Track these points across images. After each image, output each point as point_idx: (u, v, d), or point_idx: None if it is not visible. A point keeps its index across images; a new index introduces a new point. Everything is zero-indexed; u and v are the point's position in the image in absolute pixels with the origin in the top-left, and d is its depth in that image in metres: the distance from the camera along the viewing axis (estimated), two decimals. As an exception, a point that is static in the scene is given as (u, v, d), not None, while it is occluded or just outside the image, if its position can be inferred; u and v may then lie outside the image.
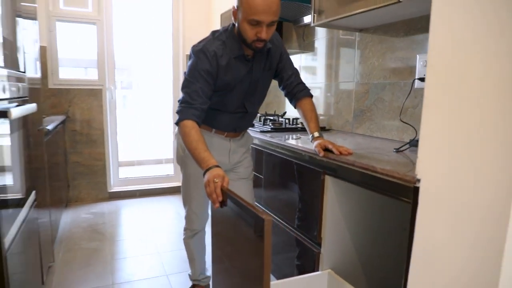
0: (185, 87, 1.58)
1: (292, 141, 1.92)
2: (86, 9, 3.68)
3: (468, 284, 0.96)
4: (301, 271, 1.81)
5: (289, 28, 2.91)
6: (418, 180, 1.08)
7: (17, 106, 1.45)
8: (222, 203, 1.29)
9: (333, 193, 1.60)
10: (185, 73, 1.62)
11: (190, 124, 1.51)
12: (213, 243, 1.49)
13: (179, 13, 4.05)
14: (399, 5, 1.52)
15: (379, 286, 1.77)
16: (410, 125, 1.77)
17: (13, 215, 1.41)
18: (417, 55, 1.77)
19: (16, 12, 1.61)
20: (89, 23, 3.72)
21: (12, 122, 1.41)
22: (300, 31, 2.82)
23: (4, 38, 1.37)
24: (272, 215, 2.09)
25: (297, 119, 2.55)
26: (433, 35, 1.04)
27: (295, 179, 1.86)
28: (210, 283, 2.16)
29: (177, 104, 1.60)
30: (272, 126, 2.37)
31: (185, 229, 1.99)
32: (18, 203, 1.51)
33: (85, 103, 3.78)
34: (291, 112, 2.74)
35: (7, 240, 1.27)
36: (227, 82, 1.63)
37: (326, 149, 1.55)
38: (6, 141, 1.36)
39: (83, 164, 3.86)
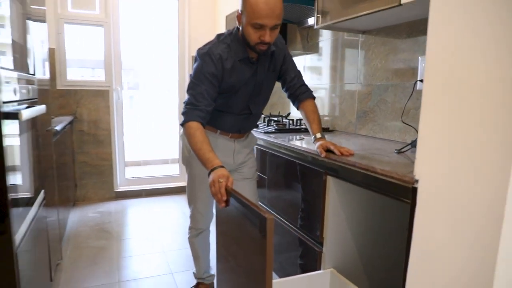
0: (191, 89, 1.61)
1: (295, 142, 1.95)
2: (93, 12, 3.73)
3: (468, 284, 0.97)
4: (304, 270, 1.83)
5: (293, 29, 2.94)
6: (417, 181, 1.10)
7: (27, 107, 1.49)
8: (227, 203, 1.33)
9: (335, 194, 1.63)
10: (190, 75, 1.65)
11: (195, 125, 1.54)
12: (218, 242, 1.52)
13: (185, 15, 4.09)
14: (401, 8, 1.54)
15: (380, 286, 1.79)
16: (412, 126, 1.79)
17: (23, 213, 1.45)
18: (419, 57, 1.79)
19: (26, 15, 1.65)
20: (97, 25, 3.77)
21: (22, 123, 1.45)
22: (304, 32, 2.85)
23: (15, 42, 1.41)
24: (276, 215, 2.12)
25: (300, 120, 2.57)
26: (431, 37, 1.06)
27: (298, 180, 1.88)
28: (215, 281, 2.19)
29: (183, 105, 1.63)
30: (276, 127, 2.40)
31: (190, 228, 2.02)
32: (28, 202, 1.55)
33: (92, 104, 3.83)
34: (295, 113, 2.76)
35: (17, 238, 1.31)
36: (232, 85, 1.66)
37: (328, 150, 1.58)
38: (16, 142, 1.39)
39: (90, 164, 3.91)
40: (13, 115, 1.27)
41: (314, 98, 1.83)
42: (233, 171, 1.86)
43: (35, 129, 1.73)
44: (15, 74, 1.39)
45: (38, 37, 1.97)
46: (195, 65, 1.64)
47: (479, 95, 0.91)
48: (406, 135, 1.93)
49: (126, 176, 4.20)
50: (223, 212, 1.41)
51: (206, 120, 1.60)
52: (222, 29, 3.71)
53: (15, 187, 1.34)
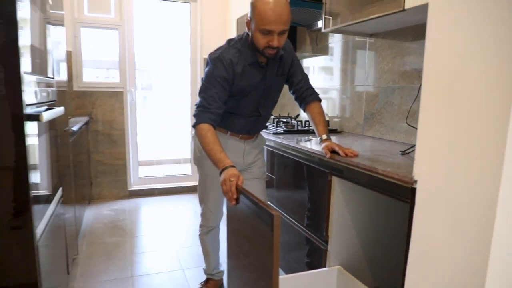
0: (202, 92, 1.67)
1: (302, 143, 1.99)
2: (108, 15, 3.83)
3: (467, 284, 0.98)
4: (310, 269, 1.87)
5: (303, 32, 2.98)
6: (415, 181, 1.14)
7: (47, 109, 1.57)
8: (237, 201, 1.38)
9: (339, 193, 1.67)
10: (202, 78, 1.72)
11: (206, 127, 1.61)
12: (229, 240, 1.56)
13: (197, 18, 4.16)
14: (405, 13, 1.58)
15: (384, 284, 1.83)
16: (416, 128, 1.82)
17: (43, 210, 1.52)
18: (425, 61, 1.82)
19: (46, 19, 1.72)
20: (112, 29, 3.87)
21: (42, 124, 1.52)
22: (314, 35, 2.89)
23: (36, 47, 1.48)
24: (285, 214, 2.17)
25: (309, 121, 2.60)
26: (429, 42, 1.08)
27: (304, 180, 1.93)
28: (224, 277, 2.26)
29: (195, 107, 1.70)
30: (284, 128, 2.44)
31: (201, 226, 2.08)
32: (47, 199, 1.62)
33: (107, 105, 3.93)
34: (304, 114, 2.80)
35: (38, 232, 1.38)
36: (242, 88, 1.72)
37: (333, 151, 1.63)
38: (37, 142, 1.46)
39: (105, 163, 4.01)
40: (35, 117, 1.33)
41: (320, 100, 1.88)
42: (243, 171, 1.91)
43: (54, 130, 1.80)
44: (36, 78, 1.46)
45: (56, 41, 2.03)
46: (206, 69, 1.70)
47: (478, 96, 0.93)
48: (412, 136, 1.96)
49: (139, 175, 4.30)
50: (234, 211, 1.45)
51: (217, 122, 1.66)
52: (233, 31, 3.77)
53: (36, 185, 1.40)
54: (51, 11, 1.86)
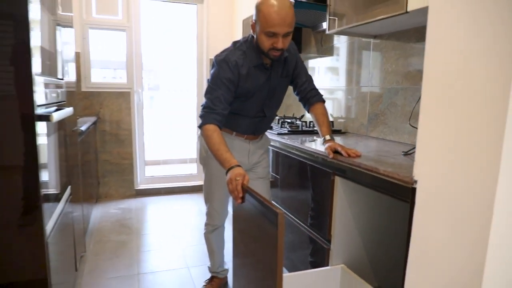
0: (208, 93, 1.70)
1: (306, 143, 2.02)
2: (116, 17, 3.87)
3: (466, 284, 0.99)
4: (314, 268, 1.90)
5: (308, 33, 3.00)
6: (416, 182, 1.16)
7: (57, 110, 1.61)
8: (243, 199, 1.41)
9: (342, 193, 1.69)
10: (208, 80, 1.75)
11: (212, 127, 1.64)
12: (235, 239, 1.58)
13: (203, 19, 4.20)
14: (408, 15, 1.59)
15: (386, 283, 1.85)
16: (419, 129, 1.83)
17: (52, 208, 1.56)
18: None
19: (56, 21, 1.76)
20: (119, 30, 3.92)
21: (52, 125, 1.55)
22: (319, 36, 2.91)
23: (46, 49, 1.52)
24: (289, 214, 2.19)
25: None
26: (429, 43, 1.10)
27: (308, 180, 1.95)
28: (229, 276, 2.29)
29: (200, 108, 1.73)
30: (289, 129, 2.47)
31: (206, 225, 2.11)
32: (56, 198, 1.65)
33: (115, 105, 3.98)
34: (309, 114, 2.81)
35: (47, 230, 1.42)
36: (247, 90, 1.74)
37: (336, 151, 1.65)
38: (47, 141, 1.49)
39: (112, 162, 4.06)
40: (45, 117, 1.36)
41: (324, 101, 1.91)
42: (248, 171, 1.94)
43: (63, 130, 1.83)
44: (46, 80, 1.50)
45: (66, 42, 2.06)
46: (212, 71, 1.73)
47: (477, 97, 0.94)
48: (415, 137, 1.96)
49: (146, 174, 4.34)
50: (240, 210, 1.48)
51: (223, 123, 1.69)
52: (239, 33, 3.79)
53: (45, 184, 1.44)
54: (60, 13, 1.89)
